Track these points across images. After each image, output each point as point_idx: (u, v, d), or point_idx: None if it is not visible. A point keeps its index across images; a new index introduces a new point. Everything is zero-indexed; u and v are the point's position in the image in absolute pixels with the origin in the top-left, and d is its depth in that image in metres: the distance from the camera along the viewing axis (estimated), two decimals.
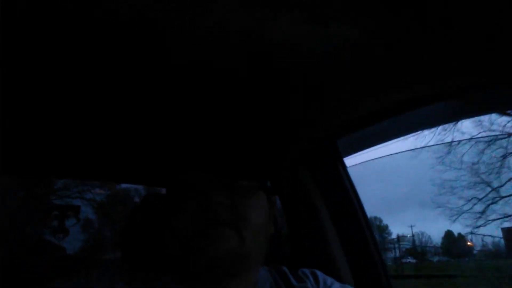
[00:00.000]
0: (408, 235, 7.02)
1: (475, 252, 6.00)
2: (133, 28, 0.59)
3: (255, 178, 0.68)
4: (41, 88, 0.78)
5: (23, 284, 1.06)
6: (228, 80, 0.75)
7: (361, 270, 0.97)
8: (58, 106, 0.85)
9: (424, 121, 0.96)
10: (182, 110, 0.87)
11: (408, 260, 7.06)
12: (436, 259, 6.92)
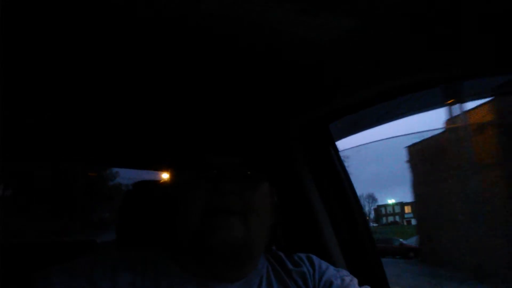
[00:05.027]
0: None
1: None
2: (132, 19, 0.59)
3: (247, 160, 0.68)
4: (52, 77, 0.84)
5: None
6: (226, 66, 0.77)
7: (353, 255, 0.98)
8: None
9: (413, 106, 0.98)
10: (180, 98, 0.92)
11: None
12: None
